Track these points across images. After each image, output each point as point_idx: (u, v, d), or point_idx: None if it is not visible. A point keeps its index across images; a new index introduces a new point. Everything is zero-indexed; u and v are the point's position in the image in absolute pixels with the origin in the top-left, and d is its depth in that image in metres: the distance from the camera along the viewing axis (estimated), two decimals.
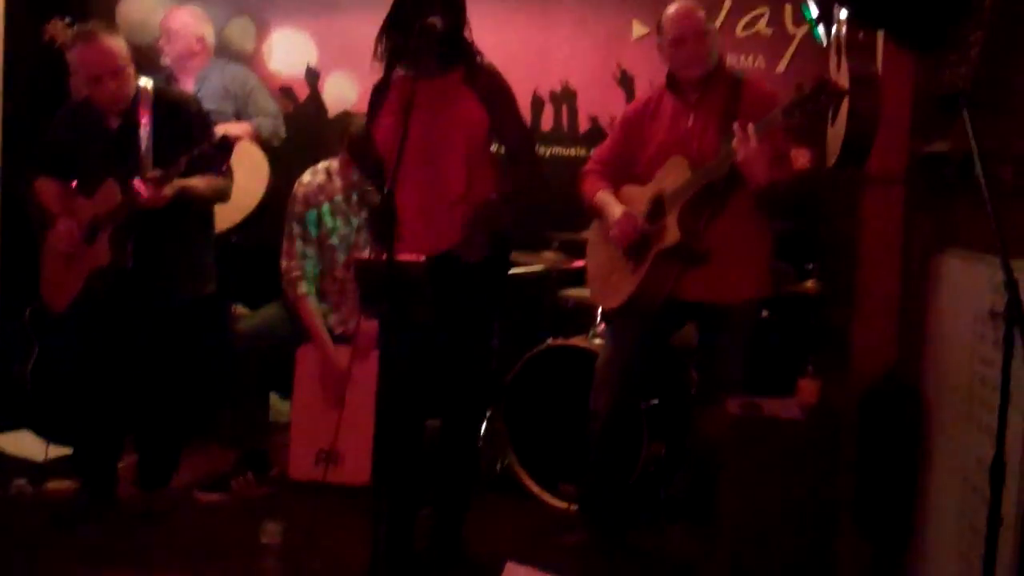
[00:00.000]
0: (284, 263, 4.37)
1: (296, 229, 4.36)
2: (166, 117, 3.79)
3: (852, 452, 3.18)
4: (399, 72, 3.41)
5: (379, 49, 3.42)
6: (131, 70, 3.78)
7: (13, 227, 4.91)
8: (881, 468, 3.10)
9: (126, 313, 3.85)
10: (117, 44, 3.73)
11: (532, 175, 3.49)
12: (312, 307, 4.34)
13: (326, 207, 4.35)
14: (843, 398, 3.31)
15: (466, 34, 3.42)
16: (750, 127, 3.21)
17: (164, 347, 3.91)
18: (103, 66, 3.70)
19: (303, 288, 4.33)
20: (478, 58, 3.43)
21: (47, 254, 3.99)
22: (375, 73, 3.54)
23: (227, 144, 3.61)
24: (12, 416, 4.78)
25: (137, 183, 3.57)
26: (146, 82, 3.85)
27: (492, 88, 3.42)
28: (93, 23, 3.88)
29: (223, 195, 3.93)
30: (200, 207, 3.91)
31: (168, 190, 3.61)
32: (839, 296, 3.66)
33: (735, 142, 3.24)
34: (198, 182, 3.74)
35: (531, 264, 4.59)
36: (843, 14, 3.57)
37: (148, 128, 3.76)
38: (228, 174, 3.87)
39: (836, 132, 3.52)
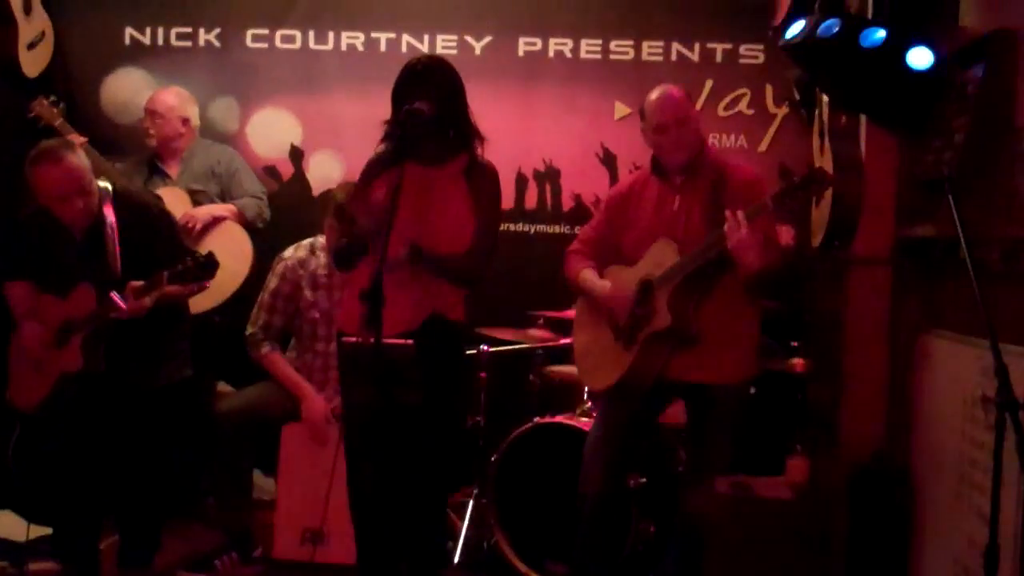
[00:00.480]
0: (248, 330, 4.39)
1: (267, 300, 4.38)
2: (130, 220, 3.78)
3: (842, 532, 3.18)
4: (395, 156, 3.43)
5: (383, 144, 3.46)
6: (95, 183, 3.76)
7: None
8: (871, 548, 3.10)
9: (98, 404, 3.80)
10: (81, 161, 3.71)
11: (473, 270, 3.46)
12: (279, 360, 4.35)
13: (306, 281, 4.36)
14: (832, 478, 3.32)
15: (469, 121, 3.45)
16: (740, 214, 3.24)
17: (140, 431, 3.86)
18: (71, 185, 3.67)
19: (265, 348, 4.35)
20: (480, 151, 3.47)
21: (15, 357, 3.95)
22: (362, 152, 3.58)
23: (213, 262, 3.56)
24: None
25: (115, 297, 3.55)
26: (106, 185, 3.84)
27: (485, 190, 3.47)
28: (51, 142, 3.85)
29: (198, 293, 3.92)
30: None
31: (148, 300, 3.59)
32: (825, 374, 3.68)
33: (727, 228, 3.26)
34: (176, 289, 3.70)
35: (516, 342, 4.59)
36: (825, 98, 3.65)
37: (114, 231, 3.74)
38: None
39: (821, 213, 3.58)
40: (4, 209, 4.96)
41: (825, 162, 3.54)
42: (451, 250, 3.40)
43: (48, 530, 4.24)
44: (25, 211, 3.91)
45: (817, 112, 3.89)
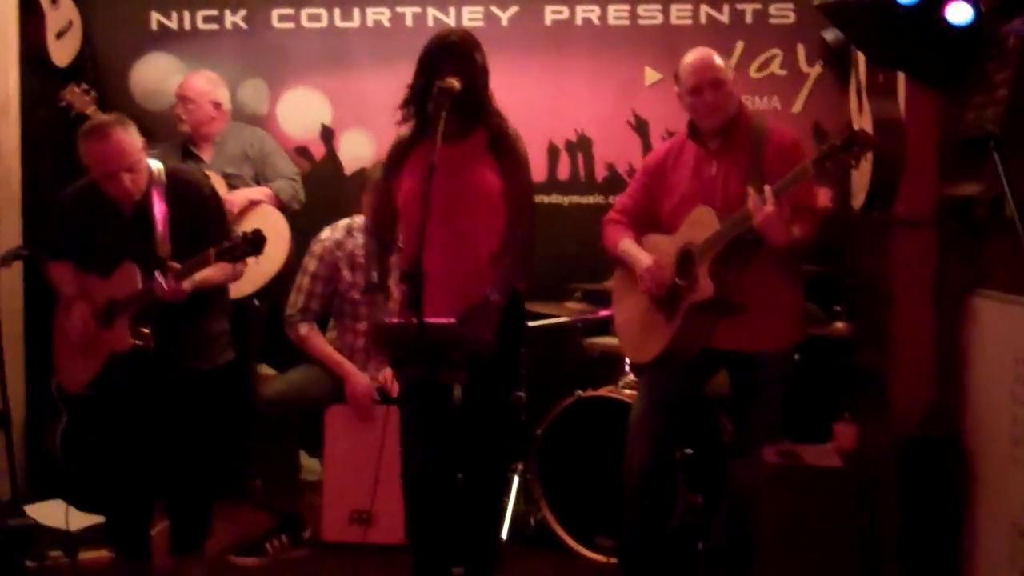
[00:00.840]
0: (287, 311, 4.39)
1: (305, 282, 4.38)
2: (179, 199, 3.76)
3: (894, 500, 3.14)
4: (420, 134, 3.42)
5: (403, 110, 3.43)
6: (144, 160, 3.75)
7: (38, 296, 4.91)
8: (924, 516, 3.06)
9: (145, 387, 3.82)
10: (130, 137, 3.69)
11: (527, 245, 3.50)
12: (318, 340, 4.35)
13: (344, 262, 4.36)
14: (882, 444, 3.28)
15: (490, 97, 3.43)
16: (767, 190, 3.21)
17: (187, 415, 3.88)
18: (118, 162, 3.65)
19: (303, 328, 4.35)
20: (502, 123, 3.44)
21: (60, 338, 3.97)
22: (392, 129, 3.57)
23: (260, 237, 3.53)
24: (43, 486, 4.76)
25: (158, 278, 3.54)
26: (156, 164, 3.82)
27: (512, 158, 3.46)
28: (104, 117, 3.84)
29: (235, 280, 3.93)
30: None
31: (187, 284, 3.58)
32: (871, 339, 3.63)
33: (751, 204, 3.23)
34: (215, 273, 3.70)
35: (555, 315, 4.57)
36: (862, 56, 3.59)
37: (163, 211, 3.72)
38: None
39: (861, 174, 3.52)
40: (42, 195, 5.04)
41: (864, 122, 3.48)
42: (482, 222, 3.41)
43: (98, 519, 4.29)
44: (72, 188, 3.92)
45: (853, 71, 3.82)
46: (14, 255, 4.53)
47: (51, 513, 4.54)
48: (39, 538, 4.28)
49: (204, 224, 3.75)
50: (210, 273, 3.66)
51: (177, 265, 3.56)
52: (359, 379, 4.28)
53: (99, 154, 3.66)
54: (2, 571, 3.94)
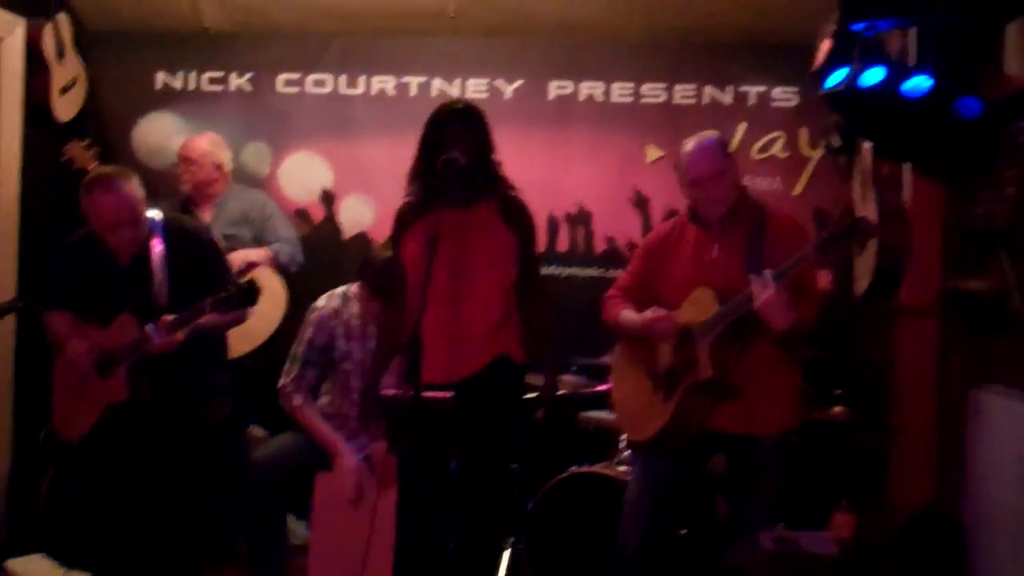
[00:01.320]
0: (281, 381, 4.32)
1: (301, 351, 4.30)
2: (178, 248, 3.75)
3: None
4: (426, 203, 3.43)
5: (410, 184, 3.46)
6: (145, 211, 3.74)
7: (28, 347, 4.88)
8: None
9: (140, 441, 3.78)
10: (134, 190, 3.68)
11: (547, 311, 3.59)
12: (312, 414, 4.26)
13: (340, 331, 4.32)
14: (881, 533, 3.25)
15: (497, 167, 3.46)
16: (766, 274, 3.21)
17: (179, 471, 3.83)
18: (122, 214, 3.64)
19: (297, 400, 4.26)
20: (514, 194, 3.47)
21: (59, 386, 3.93)
22: (392, 195, 3.60)
23: (255, 288, 3.53)
24: (26, 539, 4.68)
25: (149, 330, 3.52)
26: (156, 213, 3.82)
27: (524, 223, 3.52)
28: (109, 169, 3.84)
29: (238, 324, 3.91)
30: (213, 336, 3.88)
31: (180, 335, 3.56)
32: (872, 425, 3.62)
33: (753, 288, 3.23)
34: (212, 319, 3.67)
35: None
36: (867, 145, 3.61)
37: (161, 260, 3.72)
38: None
39: (864, 262, 3.53)
40: (38, 248, 5.02)
41: (868, 210, 3.50)
42: (491, 287, 3.43)
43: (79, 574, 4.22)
44: (72, 237, 3.91)
45: (858, 159, 3.85)
46: (8, 308, 4.50)
47: (34, 568, 4.46)
48: None
49: (203, 272, 3.73)
50: (208, 320, 3.64)
51: (168, 318, 3.54)
52: (349, 460, 4.19)
53: (103, 206, 3.65)
54: None
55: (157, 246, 3.73)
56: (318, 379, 4.34)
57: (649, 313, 3.58)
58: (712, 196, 3.50)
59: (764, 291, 3.21)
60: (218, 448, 3.99)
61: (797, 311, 3.31)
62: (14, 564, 4.41)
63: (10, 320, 4.86)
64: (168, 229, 3.80)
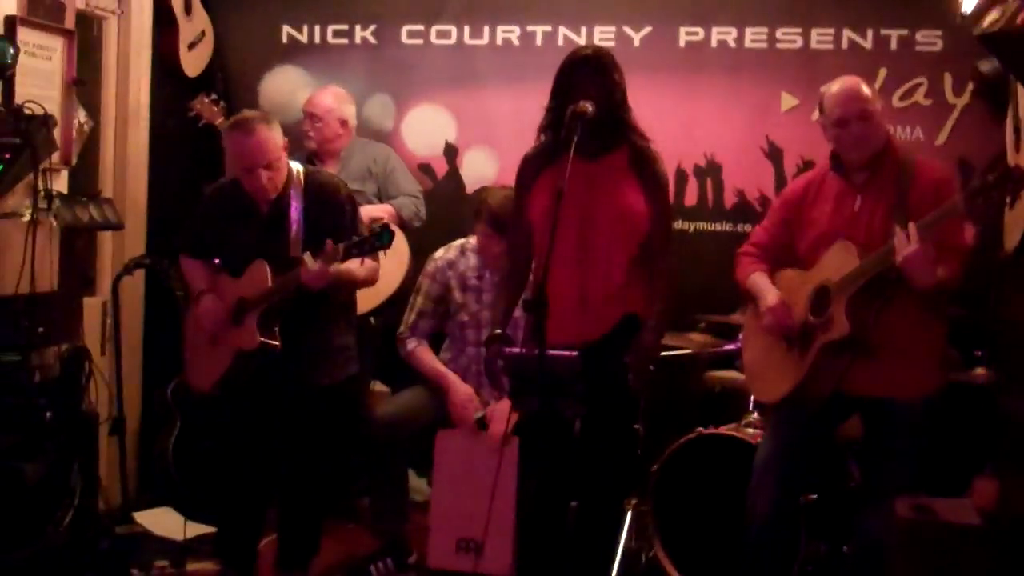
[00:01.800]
0: (399, 329, 4.35)
1: (418, 301, 4.34)
2: (316, 201, 3.76)
3: None
4: (555, 153, 3.33)
5: (541, 134, 3.40)
6: (285, 159, 3.76)
7: (156, 301, 4.96)
8: None
9: (268, 395, 3.81)
10: (273, 135, 3.70)
11: (671, 280, 3.44)
12: (425, 355, 4.28)
13: (455, 283, 4.29)
14: None
15: (630, 117, 3.35)
16: (912, 227, 3.04)
17: (304, 429, 3.87)
18: (258, 157, 3.66)
19: (412, 344, 4.28)
20: (644, 142, 3.35)
21: (191, 336, 3.99)
22: (516, 149, 3.52)
23: (388, 233, 3.51)
24: (155, 493, 4.79)
25: (306, 260, 3.54)
26: (297, 166, 3.84)
27: (657, 181, 3.38)
28: (250, 113, 3.86)
29: (373, 281, 3.92)
30: (348, 291, 3.86)
31: (328, 268, 3.56)
32: (1016, 387, 3.40)
33: (895, 242, 3.07)
34: (356, 268, 3.70)
35: (678, 346, 4.42)
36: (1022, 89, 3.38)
37: (298, 212, 3.72)
38: (377, 258, 3.84)
39: (1015, 214, 3.31)
40: (167, 204, 5.12)
41: (1021, 158, 3.27)
42: (618, 244, 3.32)
43: (208, 529, 4.29)
44: (214, 185, 3.96)
45: (1011, 105, 3.61)
46: (136, 263, 4.59)
47: (161, 521, 4.57)
48: (147, 547, 4.31)
49: (339, 225, 3.72)
50: (352, 268, 3.67)
51: (329, 249, 3.52)
52: (459, 388, 4.19)
53: (241, 147, 3.69)
54: None
55: (296, 197, 3.74)
56: (433, 329, 4.33)
57: (771, 298, 3.45)
58: (858, 138, 3.33)
59: (908, 246, 3.04)
60: (343, 405, 4.01)
61: (942, 268, 3.13)
62: (142, 516, 4.51)
63: (140, 278, 4.96)
64: (308, 181, 3.81)
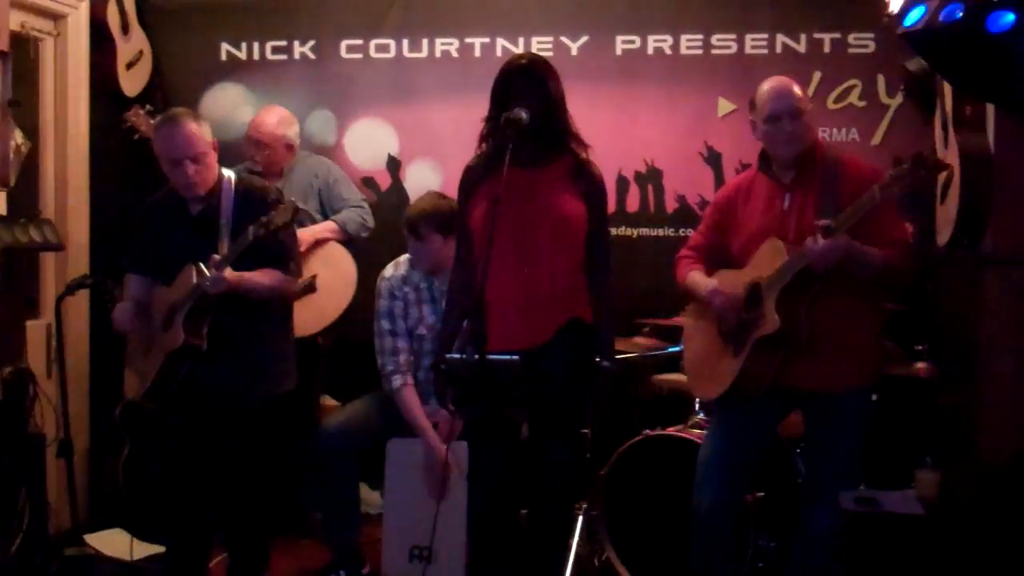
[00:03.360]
0: (379, 361, 4.30)
1: (384, 325, 4.28)
2: (246, 205, 3.74)
3: (981, 550, 2.98)
4: (494, 162, 3.34)
5: (481, 143, 3.42)
6: (213, 158, 3.76)
7: (102, 322, 4.91)
8: (1013, 569, 2.89)
9: (200, 407, 3.79)
10: (200, 130, 3.72)
11: (611, 289, 3.47)
12: (410, 399, 4.23)
13: (412, 297, 4.29)
14: (968, 490, 3.11)
15: (568, 124, 3.37)
16: (821, 224, 3.15)
17: (245, 445, 3.84)
18: (185, 148, 3.67)
19: (397, 381, 4.24)
20: (584, 153, 3.38)
21: (129, 352, 3.97)
22: (459, 160, 3.53)
23: (293, 208, 3.55)
24: (105, 515, 4.74)
25: (201, 268, 3.55)
26: (228, 172, 3.84)
27: (595, 189, 3.41)
28: (178, 109, 3.88)
29: (285, 293, 3.87)
30: (270, 301, 3.85)
31: (229, 272, 3.57)
32: (957, 380, 3.47)
33: (807, 240, 3.16)
34: (260, 276, 3.69)
35: (623, 351, 4.45)
36: (948, 87, 3.45)
37: (228, 214, 3.72)
38: (295, 272, 3.83)
39: (947, 209, 3.38)
40: (109, 223, 5.09)
41: (950, 154, 3.34)
42: (560, 250, 3.33)
43: (158, 549, 4.26)
44: (151, 197, 3.95)
45: (939, 102, 3.68)
46: (79, 283, 4.54)
47: (112, 542, 4.52)
48: (99, 567, 4.27)
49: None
50: (257, 276, 3.66)
51: (218, 256, 3.56)
52: (438, 449, 4.13)
53: (168, 140, 3.70)
54: None
55: (227, 201, 3.74)
56: (410, 345, 4.29)
57: (713, 283, 3.50)
58: (789, 135, 3.40)
59: (815, 244, 3.13)
60: (284, 420, 3.98)
61: (889, 255, 3.20)
62: (93, 539, 4.47)
63: (83, 296, 4.92)
64: (238, 186, 3.81)
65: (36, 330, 4.69)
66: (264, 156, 4.83)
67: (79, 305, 4.95)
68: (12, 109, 4.37)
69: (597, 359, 3.41)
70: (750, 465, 3.61)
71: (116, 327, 3.85)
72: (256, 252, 3.63)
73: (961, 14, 2.84)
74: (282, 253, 3.76)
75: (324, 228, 4.76)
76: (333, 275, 3.80)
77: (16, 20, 4.58)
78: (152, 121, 4.81)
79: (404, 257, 4.38)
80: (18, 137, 4.49)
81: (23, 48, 4.73)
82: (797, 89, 3.44)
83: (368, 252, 4.83)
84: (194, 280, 3.61)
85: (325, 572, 4.23)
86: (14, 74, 4.39)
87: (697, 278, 3.61)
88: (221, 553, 4.08)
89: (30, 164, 4.77)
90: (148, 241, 3.88)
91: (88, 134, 5.08)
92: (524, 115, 3.18)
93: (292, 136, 4.93)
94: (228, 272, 3.57)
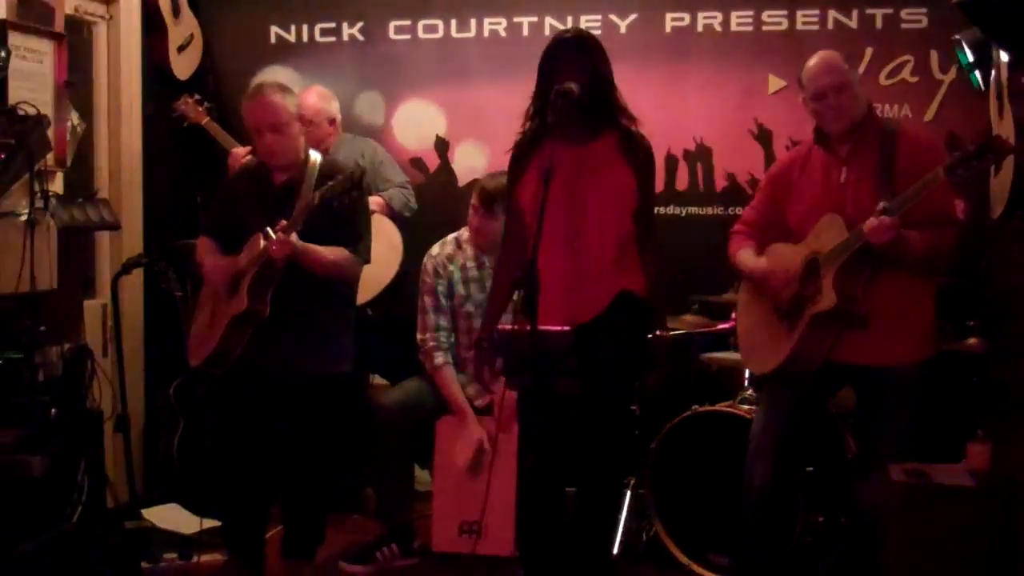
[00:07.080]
0: (419, 336, 4.36)
1: (428, 301, 4.34)
2: (327, 180, 3.75)
3: None
4: (542, 138, 3.35)
5: (527, 120, 3.41)
6: (296, 129, 3.82)
7: (156, 301, 4.99)
8: None
9: (259, 380, 3.84)
10: (281, 100, 3.78)
11: (660, 259, 3.46)
12: (450, 377, 4.28)
13: (457, 275, 4.32)
14: (1019, 463, 3.09)
15: (617, 98, 3.36)
16: (880, 206, 3.12)
17: (302, 422, 3.89)
18: (264, 119, 3.75)
19: (439, 359, 4.28)
20: (633, 126, 3.37)
21: (198, 319, 4.02)
22: (507, 140, 3.53)
23: (360, 172, 3.66)
24: (161, 490, 4.82)
25: (268, 232, 3.61)
26: (315, 154, 3.89)
27: (646, 163, 3.40)
28: (265, 79, 4.00)
29: (348, 274, 3.90)
30: (343, 282, 3.90)
31: (295, 238, 3.62)
32: (1010, 353, 3.44)
33: (866, 224, 3.14)
34: (326, 250, 3.73)
35: (672, 328, 4.45)
36: (1003, 56, 3.41)
37: (310, 189, 3.75)
38: (363, 254, 3.87)
39: (1001, 182, 3.35)
40: (162, 204, 5.19)
41: (1004, 127, 3.31)
42: (609, 223, 3.33)
43: (214, 522, 4.32)
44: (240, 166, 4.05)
45: (994, 74, 3.64)
46: (134, 263, 4.62)
47: (168, 516, 4.59)
48: (155, 541, 4.33)
49: (347, 213, 3.77)
50: (322, 249, 3.71)
51: (284, 221, 3.61)
52: (473, 431, 4.21)
53: (250, 110, 3.82)
54: (119, 573, 3.98)
55: (309, 176, 3.79)
56: (451, 324, 4.33)
57: (762, 264, 3.49)
58: (836, 109, 3.38)
59: (874, 222, 3.11)
60: (340, 399, 4.03)
61: (929, 236, 3.18)
62: (150, 513, 4.55)
63: (138, 275, 4.99)
64: (323, 164, 3.86)
65: (92, 310, 4.76)
66: (308, 133, 4.86)
67: (134, 284, 5.02)
68: (68, 90, 4.45)
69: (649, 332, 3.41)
70: (801, 441, 3.61)
71: (210, 279, 3.91)
72: (328, 229, 3.69)
73: None
74: (353, 232, 3.82)
75: (371, 201, 4.80)
76: (379, 244, 3.87)
77: (71, 4, 4.65)
78: (201, 108, 4.91)
79: (451, 236, 4.41)
80: (74, 118, 4.57)
81: (77, 31, 4.81)
82: (840, 62, 3.43)
83: (418, 231, 4.86)
84: (261, 244, 3.66)
85: (376, 546, 4.26)
86: (69, 57, 4.46)
87: (744, 257, 3.61)
88: (277, 526, 4.14)
89: (85, 144, 4.86)
90: (228, 209, 3.96)
91: (141, 116, 5.14)
92: (575, 87, 3.19)
93: (334, 111, 4.97)
94: (294, 237, 3.62)
